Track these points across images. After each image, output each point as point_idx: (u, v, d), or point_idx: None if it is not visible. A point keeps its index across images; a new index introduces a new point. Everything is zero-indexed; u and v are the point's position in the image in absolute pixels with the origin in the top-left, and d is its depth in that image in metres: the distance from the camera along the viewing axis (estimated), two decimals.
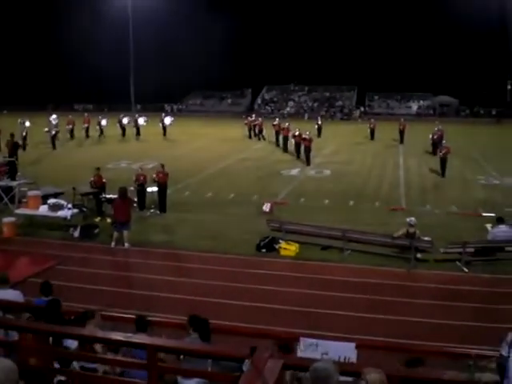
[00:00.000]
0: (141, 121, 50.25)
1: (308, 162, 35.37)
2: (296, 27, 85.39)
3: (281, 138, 42.62)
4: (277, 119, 46.96)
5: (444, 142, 34.18)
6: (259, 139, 47.69)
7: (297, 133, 37.80)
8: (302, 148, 36.55)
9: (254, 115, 53.69)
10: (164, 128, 50.09)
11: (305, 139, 35.72)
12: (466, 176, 31.19)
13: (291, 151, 39.34)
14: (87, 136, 48.48)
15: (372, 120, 51.91)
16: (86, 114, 51.87)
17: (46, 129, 42.83)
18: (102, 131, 49.54)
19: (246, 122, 50.55)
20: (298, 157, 37.37)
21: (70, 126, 48.41)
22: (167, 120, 50.46)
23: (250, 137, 48.86)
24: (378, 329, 11.89)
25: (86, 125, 48.88)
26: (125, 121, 50.13)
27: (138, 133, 49.79)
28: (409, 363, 7.18)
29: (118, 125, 49.84)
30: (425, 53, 79.38)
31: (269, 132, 46.23)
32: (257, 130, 48.65)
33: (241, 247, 17.83)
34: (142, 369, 5.92)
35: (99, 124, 49.56)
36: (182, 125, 55.17)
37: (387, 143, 45.44)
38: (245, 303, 13.46)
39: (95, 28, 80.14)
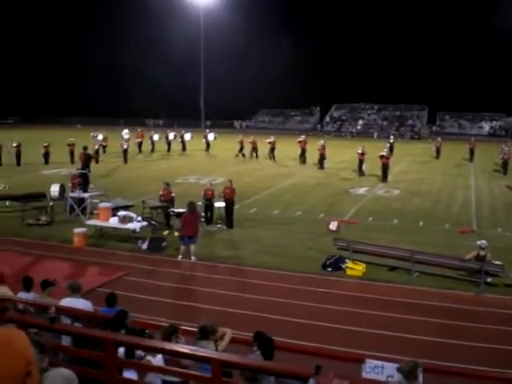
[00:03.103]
0: (187, 136, 51.91)
1: (385, 178, 35.58)
2: (366, 45, 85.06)
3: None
4: (302, 136, 45.73)
5: None
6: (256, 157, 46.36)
7: (359, 151, 37.99)
8: (371, 165, 36.63)
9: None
10: (208, 144, 51.39)
11: (383, 156, 35.88)
12: None
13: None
14: (140, 151, 49.92)
15: (438, 139, 52.25)
16: (139, 129, 53.60)
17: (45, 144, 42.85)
18: (153, 146, 50.90)
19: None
20: (361, 175, 37.54)
21: (140, 140, 50.56)
22: (211, 136, 51.48)
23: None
24: (445, 353, 11.59)
25: (139, 139, 50.57)
26: (171, 136, 51.75)
27: (184, 148, 51.39)
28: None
29: (165, 140, 51.38)
30: (499, 72, 77.73)
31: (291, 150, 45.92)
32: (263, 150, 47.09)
33: (307, 265, 17.71)
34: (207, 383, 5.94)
35: (151, 139, 51.06)
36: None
37: (458, 162, 44.94)
38: (309, 322, 13.33)
39: (167, 44, 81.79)
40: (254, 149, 46.59)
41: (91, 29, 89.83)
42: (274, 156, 45.65)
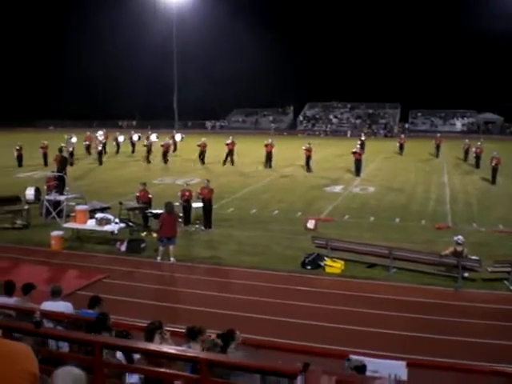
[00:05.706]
0: (153, 137, 51.12)
1: (358, 172, 36.76)
2: (339, 44, 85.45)
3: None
4: (230, 137, 43.91)
5: (495, 153, 34.96)
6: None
7: (305, 147, 39.68)
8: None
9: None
10: (175, 144, 50.80)
11: (355, 153, 37.11)
12: None
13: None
14: (105, 152, 48.48)
15: (402, 136, 55.55)
16: (104, 131, 52.94)
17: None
18: (118, 147, 50.86)
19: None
20: (308, 170, 38.70)
21: (104, 141, 49.62)
22: (178, 137, 51.22)
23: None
24: (425, 347, 11.71)
25: (103, 140, 49.80)
26: (135, 137, 51.83)
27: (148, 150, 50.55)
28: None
29: (129, 141, 51.40)
30: (470, 70, 78.61)
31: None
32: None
33: (285, 264, 17.76)
34: (194, 383, 5.91)
35: (116, 140, 50.97)
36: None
37: (425, 157, 47.70)
38: (289, 320, 13.35)
39: (140, 46, 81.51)
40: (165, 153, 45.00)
41: (66, 33, 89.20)
42: (202, 160, 43.72)
